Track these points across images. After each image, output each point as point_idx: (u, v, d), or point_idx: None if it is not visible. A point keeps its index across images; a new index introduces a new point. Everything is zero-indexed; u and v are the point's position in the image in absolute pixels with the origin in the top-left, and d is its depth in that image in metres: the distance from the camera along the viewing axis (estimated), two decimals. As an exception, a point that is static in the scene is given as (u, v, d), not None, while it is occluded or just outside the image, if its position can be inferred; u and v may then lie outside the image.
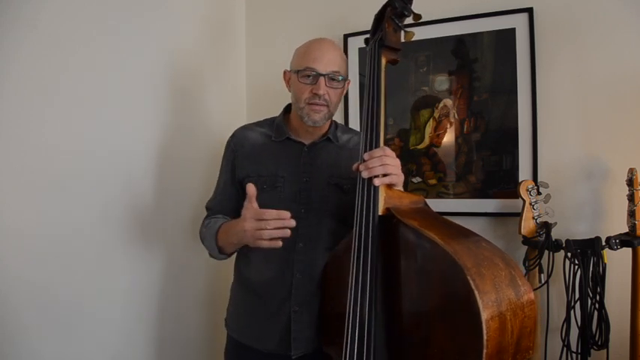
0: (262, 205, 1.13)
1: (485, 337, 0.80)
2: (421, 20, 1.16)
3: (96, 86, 1.37)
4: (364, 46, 1.80)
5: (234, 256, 1.37)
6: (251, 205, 1.12)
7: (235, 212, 1.28)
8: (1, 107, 1.15)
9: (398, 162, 1.08)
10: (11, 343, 1.17)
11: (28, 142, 1.20)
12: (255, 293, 1.30)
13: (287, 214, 1.07)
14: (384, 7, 1.17)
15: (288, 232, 1.07)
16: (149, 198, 1.56)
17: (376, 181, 1.03)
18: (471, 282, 0.82)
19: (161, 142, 1.61)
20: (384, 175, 1.04)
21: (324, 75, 1.23)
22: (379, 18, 1.19)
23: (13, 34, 1.17)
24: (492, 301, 0.82)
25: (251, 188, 1.12)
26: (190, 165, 1.73)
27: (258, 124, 1.40)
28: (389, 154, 1.06)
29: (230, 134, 1.40)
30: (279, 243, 1.08)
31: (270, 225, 1.07)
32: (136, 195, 1.51)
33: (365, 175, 1.04)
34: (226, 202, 1.36)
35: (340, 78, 1.26)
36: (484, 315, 0.80)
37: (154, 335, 1.59)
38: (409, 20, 1.16)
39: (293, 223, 1.06)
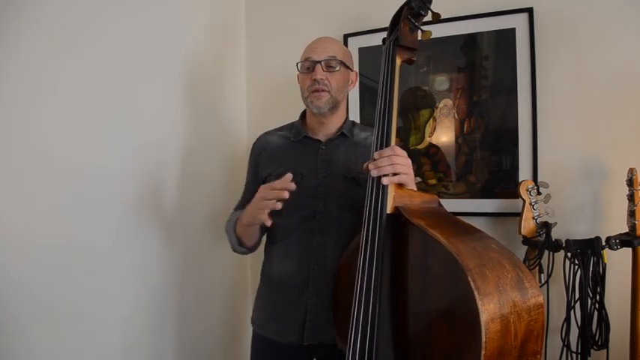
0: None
1: (483, 339, 0.79)
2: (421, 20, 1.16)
3: (98, 88, 1.36)
4: (364, 45, 1.84)
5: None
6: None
7: None
8: (2, 109, 1.14)
9: (408, 161, 1.09)
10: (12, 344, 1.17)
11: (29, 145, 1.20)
12: (276, 287, 1.37)
13: (289, 176, 1.15)
14: (402, 6, 1.18)
15: (286, 195, 1.14)
16: (159, 198, 1.57)
17: (385, 180, 1.04)
18: (471, 283, 0.82)
19: (168, 145, 1.62)
20: (394, 175, 1.05)
21: (319, 61, 1.32)
22: (396, 18, 1.20)
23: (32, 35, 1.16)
24: (494, 302, 0.82)
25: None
26: (201, 167, 1.74)
27: (279, 128, 1.49)
28: (399, 153, 1.06)
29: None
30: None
31: (276, 186, 1.15)
32: (141, 195, 1.51)
33: (374, 173, 1.05)
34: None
35: (337, 67, 1.32)
36: (483, 316, 0.80)
37: (171, 334, 1.62)
38: (428, 19, 1.16)
39: (293, 185, 1.14)
